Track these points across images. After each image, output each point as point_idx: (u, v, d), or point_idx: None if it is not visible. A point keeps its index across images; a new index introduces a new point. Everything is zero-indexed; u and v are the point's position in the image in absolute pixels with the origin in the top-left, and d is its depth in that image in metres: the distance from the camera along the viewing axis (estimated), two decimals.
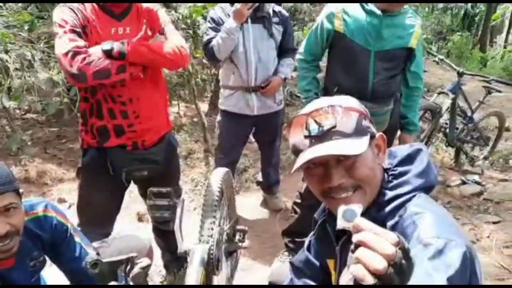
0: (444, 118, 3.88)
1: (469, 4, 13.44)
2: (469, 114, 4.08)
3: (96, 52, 1.71)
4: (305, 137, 1.02)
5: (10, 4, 3.66)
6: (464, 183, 3.67)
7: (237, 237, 2.03)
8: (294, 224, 2.50)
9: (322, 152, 0.98)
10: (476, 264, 0.91)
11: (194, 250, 1.48)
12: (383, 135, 1.09)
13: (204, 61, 4.88)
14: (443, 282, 0.81)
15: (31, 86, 3.32)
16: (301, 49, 2.43)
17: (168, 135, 2.10)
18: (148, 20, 1.90)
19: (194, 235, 1.77)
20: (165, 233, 2.20)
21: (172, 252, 2.24)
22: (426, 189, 1.05)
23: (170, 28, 1.96)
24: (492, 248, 2.80)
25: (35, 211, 1.45)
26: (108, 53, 1.70)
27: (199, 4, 3.73)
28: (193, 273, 1.40)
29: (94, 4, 1.81)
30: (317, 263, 1.32)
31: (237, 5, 2.51)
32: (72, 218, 1.62)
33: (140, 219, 3.15)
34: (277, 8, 2.81)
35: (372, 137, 1.05)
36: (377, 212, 1.03)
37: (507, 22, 14.38)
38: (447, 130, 3.93)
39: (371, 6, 2.13)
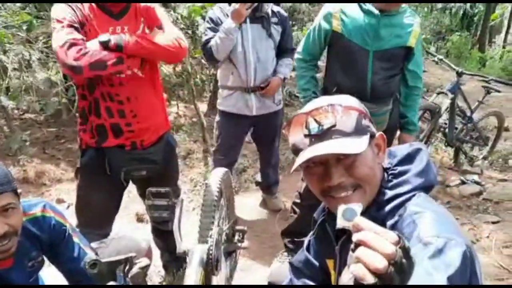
0: (443, 118, 3.88)
1: (468, 4, 13.45)
2: (468, 114, 4.09)
3: (93, 45, 1.70)
4: (305, 136, 1.02)
5: (8, 4, 3.66)
6: (463, 183, 3.67)
7: (236, 237, 2.03)
8: (294, 224, 2.50)
9: (322, 151, 0.97)
10: (476, 263, 0.91)
11: (193, 250, 1.47)
12: (383, 135, 1.09)
13: (203, 61, 4.88)
14: (443, 281, 0.80)
15: (30, 86, 3.32)
16: (299, 48, 2.43)
17: (167, 135, 2.10)
18: (146, 18, 1.90)
19: (193, 235, 1.76)
20: (164, 233, 2.19)
21: (171, 252, 2.24)
22: (426, 188, 1.05)
23: (167, 23, 1.96)
24: (492, 248, 2.80)
25: (34, 211, 1.45)
26: (105, 45, 1.70)
27: (197, 4, 3.73)
28: (192, 273, 1.40)
29: (93, 3, 1.81)
30: (317, 263, 1.31)
31: (235, 5, 2.50)
32: (70, 219, 1.61)
33: (139, 219, 3.15)
34: (276, 8, 2.81)
35: (372, 136, 1.05)
36: (377, 211, 1.03)
37: (506, 22, 14.40)
38: (446, 130, 3.93)
39: (369, 6, 2.13)
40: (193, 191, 3.57)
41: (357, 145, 0.97)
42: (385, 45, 2.16)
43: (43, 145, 4.46)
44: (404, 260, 0.65)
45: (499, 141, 4.53)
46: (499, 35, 15.05)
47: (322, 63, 2.48)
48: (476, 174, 3.89)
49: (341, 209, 0.80)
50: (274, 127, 3.03)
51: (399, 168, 1.07)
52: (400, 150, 1.12)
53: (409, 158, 1.09)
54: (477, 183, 3.67)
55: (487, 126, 4.86)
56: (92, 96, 1.85)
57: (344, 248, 1.12)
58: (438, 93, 3.91)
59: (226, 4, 2.71)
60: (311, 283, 1.33)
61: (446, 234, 0.89)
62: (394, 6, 2.14)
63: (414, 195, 1.02)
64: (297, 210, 2.47)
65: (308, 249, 1.35)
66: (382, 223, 1.00)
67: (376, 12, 2.12)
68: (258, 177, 3.38)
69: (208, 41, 2.68)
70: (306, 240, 1.37)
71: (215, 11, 2.75)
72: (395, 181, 1.05)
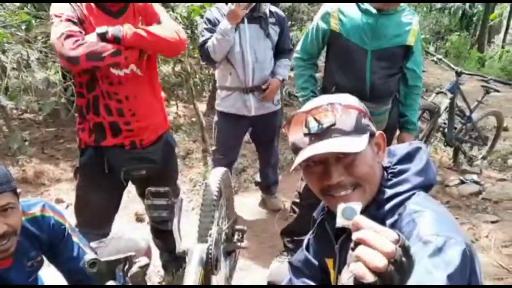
0: (443, 118, 3.88)
1: (467, 4, 13.46)
2: (467, 113, 4.08)
3: (91, 37, 1.70)
4: (305, 135, 1.02)
5: (7, 3, 3.65)
6: (462, 182, 3.67)
7: (236, 237, 2.03)
8: (293, 224, 2.50)
9: (322, 150, 0.97)
10: (475, 262, 0.91)
11: (193, 250, 1.47)
12: (382, 134, 1.09)
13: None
14: (443, 279, 0.80)
15: (28, 86, 3.31)
16: (298, 47, 2.43)
17: (166, 134, 2.09)
18: (144, 16, 1.90)
19: (193, 235, 1.76)
20: (163, 233, 2.19)
21: (170, 252, 2.24)
22: (425, 187, 1.05)
23: (166, 17, 1.95)
24: (491, 247, 2.80)
25: (33, 211, 1.45)
26: (102, 37, 1.69)
27: (196, 4, 3.72)
28: (192, 273, 1.40)
29: (91, 3, 1.81)
30: (316, 262, 1.31)
31: (231, 6, 2.50)
32: (69, 219, 1.61)
33: (138, 219, 3.14)
34: (273, 8, 2.81)
35: (372, 135, 1.05)
36: (376, 210, 1.03)
37: (505, 22, 14.42)
38: (446, 130, 3.93)
39: (366, 5, 2.13)
40: (192, 191, 3.57)
41: (356, 144, 0.97)
42: (383, 44, 2.16)
43: (42, 145, 4.46)
44: (404, 259, 0.65)
45: (498, 141, 4.53)
46: (498, 35, 15.07)
47: (322, 63, 2.47)
48: (475, 173, 3.89)
49: (340, 207, 0.80)
50: (273, 127, 3.03)
51: (399, 167, 1.07)
52: (400, 149, 1.12)
53: (408, 157, 1.09)
54: (476, 182, 3.67)
55: (486, 126, 4.86)
56: (91, 94, 1.85)
57: (343, 247, 1.12)
58: (437, 93, 3.91)
59: (223, 4, 2.71)
60: (311, 282, 1.32)
61: (445, 232, 0.89)
62: (392, 6, 2.14)
63: (413, 194, 1.02)
64: (296, 209, 2.47)
65: (307, 249, 1.35)
66: (382, 222, 1.00)
67: (374, 11, 2.12)
68: (257, 177, 3.38)
69: (205, 42, 2.68)
70: (305, 240, 1.37)
71: (212, 11, 2.74)
72: (394, 180, 1.05)
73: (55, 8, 1.75)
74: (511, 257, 2.71)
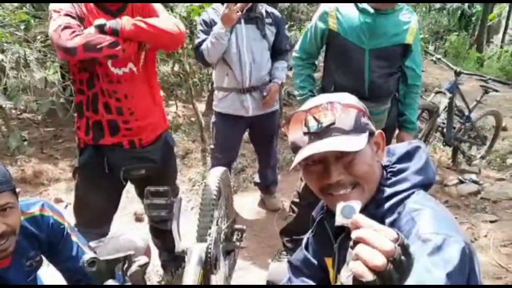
0: (442, 118, 3.88)
1: (466, 4, 13.47)
2: (466, 113, 4.09)
3: (89, 30, 1.70)
4: (304, 133, 1.02)
5: (6, 3, 3.65)
6: (461, 182, 3.68)
7: (235, 236, 2.02)
8: (292, 223, 2.50)
9: (321, 149, 0.97)
10: (474, 260, 0.91)
11: (192, 249, 1.47)
12: (382, 133, 1.09)
13: None
14: (443, 278, 0.80)
15: (27, 86, 3.31)
16: (297, 47, 2.44)
17: (165, 134, 2.09)
18: (143, 15, 1.89)
19: (192, 235, 1.76)
20: (162, 233, 2.19)
21: (170, 251, 2.24)
22: (425, 186, 1.06)
23: (164, 13, 1.95)
24: (490, 247, 2.81)
25: (32, 211, 1.45)
26: (100, 29, 1.69)
27: (196, 4, 3.73)
28: (191, 272, 1.40)
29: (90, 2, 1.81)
30: (315, 261, 1.31)
31: (225, 10, 2.49)
32: (69, 218, 1.61)
33: (137, 219, 3.14)
34: (270, 9, 2.81)
35: (371, 134, 1.05)
36: (376, 209, 1.03)
37: (503, 22, 14.43)
38: (445, 130, 3.93)
39: (364, 5, 2.13)
40: (191, 190, 3.57)
41: (356, 142, 0.97)
42: (381, 43, 2.16)
43: (41, 144, 4.45)
44: (403, 257, 0.65)
45: (497, 141, 4.54)
46: (497, 35, 15.08)
47: (321, 63, 2.48)
48: (474, 173, 3.90)
49: (339, 206, 0.80)
50: (271, 127, 3.03)
51: (398, 166, 1.07)
52: (399, 148, 1.13)
53: (408, 156, 1.09)
54: (475, 182, 3.68)
55: (485, 126, 4.87)
56: (91, 91, 1.84)
57: (342, 246, 1.12)
58: (436, 93, 3.91)
59: (219, 5, 2.70)
60: (310, 281, 1.32)
61: (445, 231, 0.89)
62: (389, 6, 2.15)
63: (413, 193, 1.02)
64: (295, 209, 2.48)
65: (306, 248, 1.35)
66: (381, 221, 1.00)
67: (372, 10, 2.12)
68: (256, 178, 3.37)
69: (200, 44, 2.67)
70: (304, 239, 1.37)
71: (208, 12, 2.73)
72: (394, 178, 1.05)
73: (53, 5, 1.75)
74: (509, 256, 2.72)
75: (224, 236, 1.84)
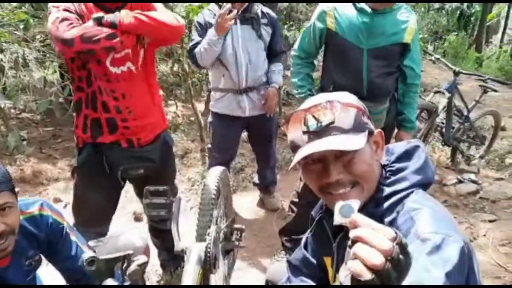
0: (441, 117, 3.88)
1: (465, 4, 13.48)
2: (465, 113, 4.09)
3: (87, 23, 1.70)
4: (304, 132, 1.02)
5: (4, 3, 3.65)
6: (460, 182, 3.68)
7: (234, 236, 2.02)
8: (291, 223, 2.50)
9: (321, 148, 0.97)
10: (473, 260, 0.91)
11: (191, 249, 1.47)
12: (381, 132, 1.09)
13: None
14: (442, 277, 0.81)
15: (26, 86, 3.31)
16: (295, 46, 2.44)
17: (164, 133, 2.09)
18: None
19: (191, 234, 1.76)
20: (161, 232, 2.19)
21: (169, 251, 2.23)
22: (424, 185, 1.06)
23: (163, 9, 1.95)
24: (489, 246, 2.81)
25: (31, 210, 1.45)
26: (98, 21, 1.69)
27: (195, 4, 3.73)
28: (190, 272, 1.40)
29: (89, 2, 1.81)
30: (314, 261, 1.31)
31: (218, 19, 2.46)
32: (68, 218, 1.61)
33: (136, 218, 3.14)
34: (265, 9, 2.80)
35: (371, 133, 1.05)
36: (375, 208, 1.03)
37: (502, 22, 14.44)
38: (444, 129, 3.94)
39: (362, 4, 2.14)
40: (190, 190, 3.57)
41: (355, 142, 0.97)
42: (379, 42, 2.16)
43: (40, 144, 4.45)
44: (401, 256, 0.65)
45: (496, 140, 4.54)
46: (495, 35, 15.09)
47: (320, 62, 2.48)
48: (473, 173, 3.90)
49: (338, 205, 0.80)
50: (269, 127, 3.01)
51: (397, 165, 1.07)
52: (398, 147, 1.13)
53: (407, 155, 1.09)
54: (474, 182, 3.68)
55: (484, 126, 4.87)
56: (89, 89, 1.84)
57: (341, 246, 1.12)
58: (435, 93, 3.92)
59: (215, 7, 2.69)
60: (309, 281, 1.32)
61: (444, 230, 0.89)
62: (386, 5, 2.15)
63: (412, 192, 1.02)
64: (294, 209, 2.48)
65: (305, 247, 1.35)
66: (380, 220, 1.00)
67: (369, 10, 2.12)
68: (255, 179, 3.36)
69: (194, 46, 2.67)
70: (303, 238, 1.38)
71: (204, 14, 2.72)
72: (393, 178, 1.05)
73: (53, 3, 1.75)
74: (508, 255, 2.72)
75: (223, 235, 1.84)
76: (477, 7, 13.31)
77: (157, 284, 2.46)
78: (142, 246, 1.81)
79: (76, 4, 1.76)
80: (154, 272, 2.50)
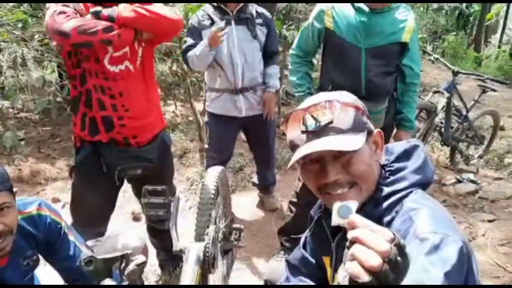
0: (440, 117, 3.89)
1: (464, 4, 13.50)
2: (464, 113, 4.09)
3: (85, 17, 1.70)
4: (302, 132, 1.01)
5: (3, 3, 3.64)
6: (459, 181, 3.69)
7: (233, 235, 2.02)
8: (290, 223, 2.50)
9: (319, 148, 0.97)
10: (472, 260, 0.91)
11: (190, 248, 1.47)
12: (380, 132, 1.08)
13: None
14: (440, 277, 0.80)
15: (25, 85, 3.30)
16: (293, 45, 2.44)
17: (162, 133, 2.08)
18: None
19: (190, 234, 1.76)
20: (159, 232, 2.18)
21: (167, 251, 2.23)
22: (423, 185, 1.05)
23: (162, 6, 1.95)
24: (487, 246, 2.81)
25: (29, 210, 1.44)
26: (96, 15, 1.68)
27: (194, 4, 3.73)
28: (189, 272, 1.39)
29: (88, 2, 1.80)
30: (313, 260, 1.31)
31: (209, 35, 2.45)
32: (66, 218, 1.61)
33: (135, 218, 3.14)
34: (260, 9, 2.79)
35: (370, 133, 1.04)
36: (374, 208, 1.03)
37: (501, 22, 14.45)
38: (442, 129, 3.94)
39: (360, 4, 2.14)
40: (189, 190, 3.57)
41: (354, 142, 0.97)
42: (377, 42, 2.16)
43: (38, 144, 4.44)
44: (399, 258, 0.64)
45: (495, 140, 4.55)
46: (494, 35, 15.10)
47: (320, 62, 2.48)
48: (471, 172, 3.91)
49: (336, 206, 0.80)
50: (268, 129, 3.00)
51: (396, 165, 1.07)
52: (397, 146, 1.12)
53: (406, 155, 1.09)
54: (473, 181, 3.68)
55: (482, 125, 4.88)
56: (84, 87, 1.83)
57: (340, 245, 1.11)
58: (434, 92, 3.92)
59: (210, 7, 2.68)
60: (308, 280, 1.32)
61: (442, 230, 0.89)
62: (384, 5, 2.15)
63: (411, 192, 1.02)
64: (293, 209, 2.47)
65: (304, 247, 1.35)
66: (379, 220, 1.00)
67: (367, 9, 2.12)
68: (255, 179, 3.35)
69: (187, 49, 2.66)
70: (302, 238, 1.37)
71: (198, 15, 2.70)
72: (392, 178, 1.05)
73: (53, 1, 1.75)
74: (507, 255, 2.73)
75: (222, 235, 1.83)
76: (476, 7, 13.33)
77: (155, 284, 2.45)
78: (140, 246, 1.80)
79: (75, 4, 1.75)
80: (152, 272, 2.49)
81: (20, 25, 3.24)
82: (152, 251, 2.34)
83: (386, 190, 1.03)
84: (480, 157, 4.38)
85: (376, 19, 2.13)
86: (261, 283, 1.73)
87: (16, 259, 1.40)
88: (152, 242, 2.35)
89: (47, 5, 1.75)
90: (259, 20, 2.74)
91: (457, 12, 13.64)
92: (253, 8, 2.73)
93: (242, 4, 2.66)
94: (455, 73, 3.83)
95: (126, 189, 2.29)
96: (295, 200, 2.45)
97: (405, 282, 0.67)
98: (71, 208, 2.07)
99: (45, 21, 1.71)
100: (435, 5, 13.65)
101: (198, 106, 4.52)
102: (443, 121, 3.91)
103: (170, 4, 3.94)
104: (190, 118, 5.02)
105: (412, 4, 11.03)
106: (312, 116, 1.00)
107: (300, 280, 1.33)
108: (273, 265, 2.44)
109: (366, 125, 1.03)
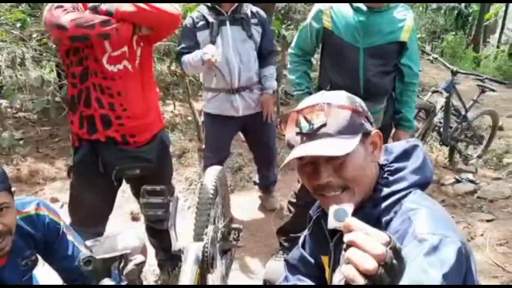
0: (438, 117, 3.89)
1: (463, 4, 13.52)
2: (463, 113, 4.10)
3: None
4: (297, 134, 1.02)
5: (2, 3, 3.63)
6: (458, 181, 3.69)
7: (232, 235, 2.02)
8: (289, 223, 2.50)
9: (309, 152, 0.98)
10: (471, 260, 0.91)
11: (189, 248, 1.47)
12: (379, 132, 1.08)
13: None
14: (439, 278, 0.80)
15: (23, 85, 3.30)
16: (292, 43, 2.44)
17: (161, 133, 2.08)
18: None
19: (189, 234, 1.76)
20: (158, 232, 2.18)
21: (166, 250, 2.23)
22: (422, 185, 1.05)
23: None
24: (486, 245, 2.82)
25: (28, 210, 1.44)
26: (94, 10, 1.68)
27: (192, 4, 3.72)
28: (188, 272, 1.39)
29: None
30: (312, 260, 1.31)
31: (204, 57, 2.43)
32: (64, 218, 1.60)
33: (133, 218, 3.13)
34: (255, 9, 2.78)
35: (367, 134, 1.04)
36: (373, 208, 1.03)
37: (500, 22, 14.48)
38: (441, 129, 3.94)
39: (358, 3, 2.14)
40: (188, 189, 3.56)
41: (345, 146, 0.97)
42: (376, 41, 2.16)
43: (36, 143, 4.43)
44: (394, 261, 0.64)
45: (494, 140, 4.56)
46: (493, 34, 15.13)
47: (319, 61, 2.48)
48: (470, 172, 3.91)
49: (332, 209, 0.80)
50: (267, 127, 2.99)
51: (396, 165, 1.07)
52: (397, 146, 1.12)
53: (405, 155, 1.09)
54: (472, 181, 3.69)
55: (481, 125, 4.89)
56: (83, 85, 1.83)
57: (338, 245, 1.12)
58: (433, 92, 3.92)
59: (205, 8, 2.67)
60: (307, 280, 1.32)
61: (441, 231, 0.89)
62: (381, 5, 2.15)
63: (410, 192, 1.02)
64: (292, 209, 2.48)
65: (303, 246, 1.35)
66: (378, 220, 1.01)
67: (365, 9, 2.12)
68: (256, 178, 3.35)
69: (182, 52, 2.65)
70: (301, 237, 1.37)
71: (193, 16, 2.68)
72: (391, 178, 1.05)
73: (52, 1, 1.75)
74: (506, 255, 2.73)
75: (221, 235, 1.83)
76: (474, 7, 13.36)
77: (154, 284, 2.45)
78: (139, 245, 1.81)
79: (74, 4, 1.75)
80: (151, 272, 2.49)
81: (18, 24, 3.24)
82: (151, 251, 2.34)
83: (386, 190, 1.03)
84: (479, 157, 4.38)
85: (375, 18, 2.13)
86: (260, 283, 1.73)
87: (14, 259, 1.40)
88: (151, 242, 2.35)
89: (46, 5, 1.75)
90: (254, 20, 2.73)
91: (456, 12, 13.66)
92: (248, 8, 2.72)
93: (236, 4, 2.65)
94: (454, 73, 3.84)
95: (125, 189, 2.29)
96: (294, 200, 2.45)
97: (403, 282, 0.67)
98: (70, 208, 2.07)
99: (43, 16, 1.71)
100: (434, 5, 13.67)
101: (197, 106, 4.52)
102: (442, 121, 3.92)
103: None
104: (189, 118, 5.02)
105: (411, 4, 11.05)
106: (305, 119, 1.00)
107: (299, 279, 1.34)
108: (272, 265, 2.43)
109: (363, 127, 1.03)
